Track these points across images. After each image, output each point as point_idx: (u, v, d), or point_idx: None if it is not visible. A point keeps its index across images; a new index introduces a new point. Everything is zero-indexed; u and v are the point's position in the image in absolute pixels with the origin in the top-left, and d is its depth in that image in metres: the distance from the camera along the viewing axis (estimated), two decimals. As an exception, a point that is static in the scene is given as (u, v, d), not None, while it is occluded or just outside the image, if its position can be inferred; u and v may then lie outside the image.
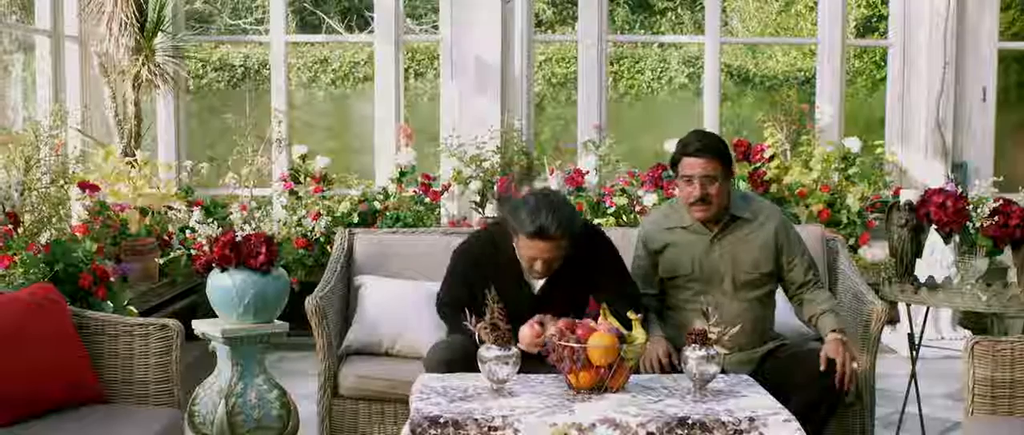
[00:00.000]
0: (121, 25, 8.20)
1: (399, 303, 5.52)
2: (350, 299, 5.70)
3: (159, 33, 8.45)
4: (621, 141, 9.51)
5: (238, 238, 5.27)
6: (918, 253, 5.73)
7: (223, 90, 14.30)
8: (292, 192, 8.37)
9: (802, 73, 15.17)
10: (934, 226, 5.65)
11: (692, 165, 4.87)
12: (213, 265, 5.29)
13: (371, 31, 10.51)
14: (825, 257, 5.77)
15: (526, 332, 4.50)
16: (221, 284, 5.25)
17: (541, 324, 4.51)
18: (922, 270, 5.66)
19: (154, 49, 8.39)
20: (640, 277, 5.11)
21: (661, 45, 16.05)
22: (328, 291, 5.40)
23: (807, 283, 5.02)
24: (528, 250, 4.59)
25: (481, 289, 4.43)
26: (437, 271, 5.66)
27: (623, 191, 8.22)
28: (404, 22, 9.42)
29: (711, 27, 9.00)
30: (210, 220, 5.49)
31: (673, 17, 17.14)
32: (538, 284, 4.78)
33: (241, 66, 14.18)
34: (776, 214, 5.08)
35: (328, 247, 7.90)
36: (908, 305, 5.70)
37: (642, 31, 16.79)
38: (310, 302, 5.22)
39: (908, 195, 5.73)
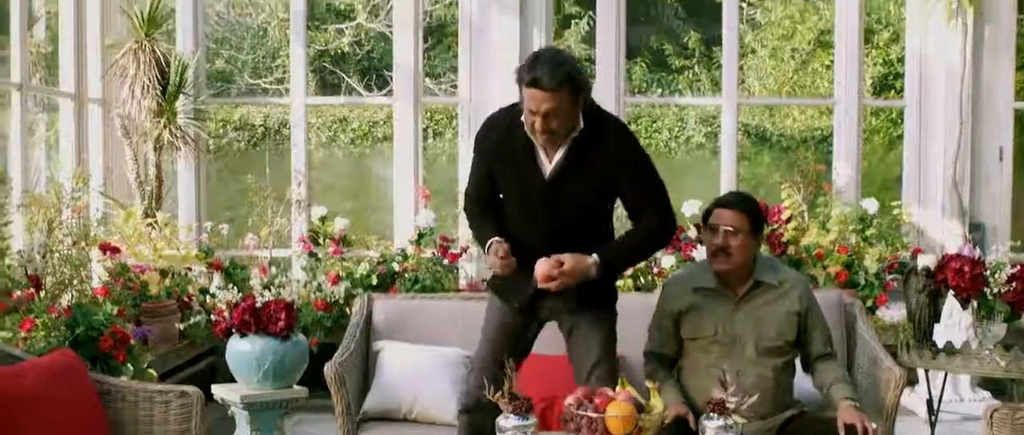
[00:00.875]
0: (143, 88, 8.30)
1: (417, 369, 5.54)
2: (369, 363, 5.72)
3: (180, 96, 8.54)
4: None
5: (258, 304, 5.32)
6: (936, 318, 5.74)
7: (244, 149, 14.40)
8: (311, 254, 8.40)
9: (819, 131, 15.20)
10: (952, 292, 5.66)
11: (719, 215, 4.95)
12: (233, 330, 5.34)
13: (390, 91, 10.57)
14: (843, 321, 5.78)
15: (543, 268, 4.55)
16: (241, 350, 5.30)
17: (562, 263, 4.54)
18: (940, 335, 5.67)
19: (176, 111, 8.48)
20: (657, 337, 5.13)
21: (679, 104, 16.13)
22: (347, 357, 5.43)
23: (824, 355, 5.03)
24: (528, 103, 4.48)
25: (500, 172, 4.73)
26: (455, 337, 5.72)
27: (641, 253, 8.23)
28: (423, 82, 9.46)
29: (729, 88, 9.05)
30: (230, 285, 5.51)
31: (690, 75, 17.19)
32: (549, 167, 4.63)
33: (261, 125, 14.29)
34: (801, 283, 5.09)
35: (347, 309, 7.92)
36: (927, 371, 5.70)
37: (659, 90, 16.86)
38: (329, 368, 5.24)
39: (926, 260, 5.75)
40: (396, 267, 8.31)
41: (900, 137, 10.33)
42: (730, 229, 4.90)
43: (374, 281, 8.19)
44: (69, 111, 8.29)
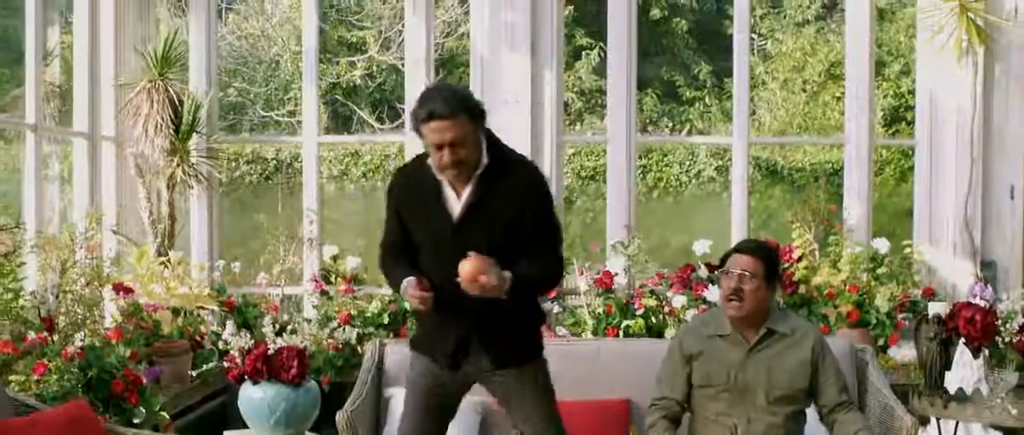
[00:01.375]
0: (156, 126, 8.34)
1: (429, 415, 5.54)
2: (380, 410, 5.74)
3: (193, 134, 8.58)
4: (650, 237, 9.54)
5: (270, 351, 5.34)
6: (947, 365, 5.73)
7: (256, 182, 14.45)
8: (323, 292, 8.42)
9: (830, 165, 15.22)
10: (963, 340, 5.66)
11: (735, 260, 5.01)
12: (245, 377, 5.36)
13: (402, 124, 10.60)
14: (854, 367, 5.80)
15: (471, 265, 4.41)
16: (253, 397, 5.33)
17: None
18: (952, 382, 5.66)
19: (189, 150, 8.51)
20: (667, 380, 5.14)
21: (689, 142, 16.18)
22: (359, 404, 5.45)
23: (840, 404, 5.04)
24: (431, 139, 4.53)
25: (410, 217, 4.74)
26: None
27: (652, 292, 8.25)
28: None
29: (739, 128, 9.04)
30: (242, 330, 5.53)
31: (701, 107, 17.25)
32: (457, 209, 4.64)
33: (273, 159, 14.34)
34: (813, 332, 5.12)
35: (359, 348, 7.95)
36: (939, 419, 5.70)
37: (669, 124, 16.90)
38: (342, 417, 5.26)
39: (937, 308, 5.76)
40: (407, 306, 8.31)
41: (911, 170, 10.31)
42: (745, 273, 4.94)
43: (385, 320, 8.20)
44: (83, 150, 8.33)
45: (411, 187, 4.76)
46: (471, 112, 4.49)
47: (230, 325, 5.76)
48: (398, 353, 5.94)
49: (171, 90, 8.45)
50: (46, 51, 8.69)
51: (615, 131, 8.96)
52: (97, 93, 8.43)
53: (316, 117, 9.16)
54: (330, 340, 7.80)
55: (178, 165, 8.45)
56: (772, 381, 4.99)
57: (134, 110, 8.40)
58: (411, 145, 8.99)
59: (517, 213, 4.60)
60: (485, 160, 4.59)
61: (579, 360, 5.93)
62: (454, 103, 4.43)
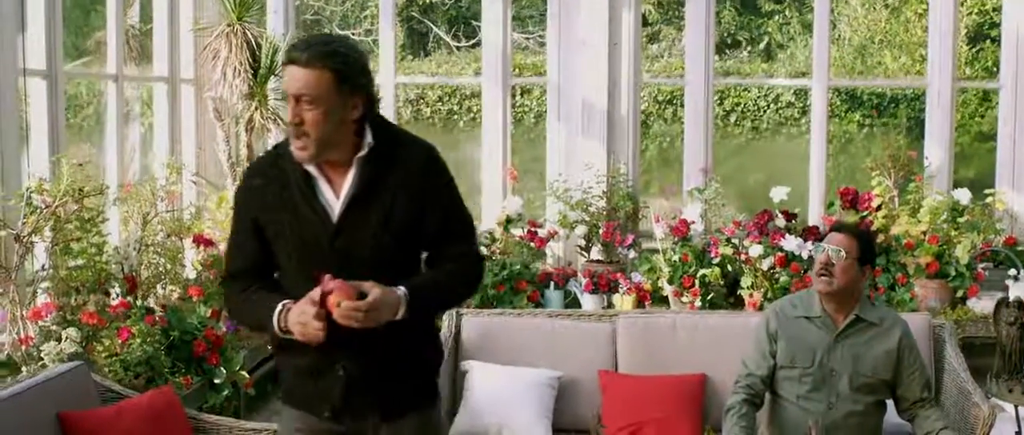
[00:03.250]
0: (235, 71, 8.37)
1: (504, 391, 5.60)
2: (457, 383, 5.79)
3: (271, 78, 8.61)
4: (726, 166, 9.41)
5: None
6: (1027, 348, 5.67)
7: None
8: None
9: (911, 90, 14.93)
10: (1043, 323, 5.59)
11: (830, 237, 4.98)
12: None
13: (477, 42, 10.54)
14: (932, 345, 5.75)
15: (331, 300, 3.32)
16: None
17: (364, 293, 3.35)
18: (1033, 363, 5.60)
19: (267, 94, 8.55)
20: (752, 358, 5.12)
21: (768, 60, 15.95)
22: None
23: (922, 400, 5.02)
24: (283, 86, 3.67)
25: (270, 224, 3.56)
26: (543, 356, 5.78)
27: (728, 240, 8.22)
28: (511, 63, 9.38)
29: (819, 69, 8.92)
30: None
31: (780, 19, 17.00)
32: (337, 207, 3.51)
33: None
34: (902, 324, 5.08)
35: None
36: (1016, 406, 5.65)
37: (747, 37, 16.68)
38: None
39: (1018, 290, 5.68)
40: (484, 250, 8.37)
41: (995, 91, 10.04)
42: (839, 250, 4.92)
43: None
44: (163, 94, 8.41)
45: (269, 185, 3.58)
46: (338, 68, 3.40)
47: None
48: (476, 325, 5.97)
49: (249, 33, 8.46)
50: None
51: (693, 76, 8.88)
52: (176, 38, 8.48)
53: (393, 60, 9.15)
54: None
55: (256, 108, 8.50)
56: (857, 368, 4.97)
57: (213, 54, 8.43)
58: (488, 92, 8.97)
59: (414, 205, 3.53)
60: (369, 140, 3.51)
61: (655, 334, 5.91)
62: (318, 49, 3.42)
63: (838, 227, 5.09)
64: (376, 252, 3.48)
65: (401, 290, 3.41)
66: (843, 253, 4.93)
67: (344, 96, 3.42)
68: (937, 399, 5.54)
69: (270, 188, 3.54)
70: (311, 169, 3.48)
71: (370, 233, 3.48)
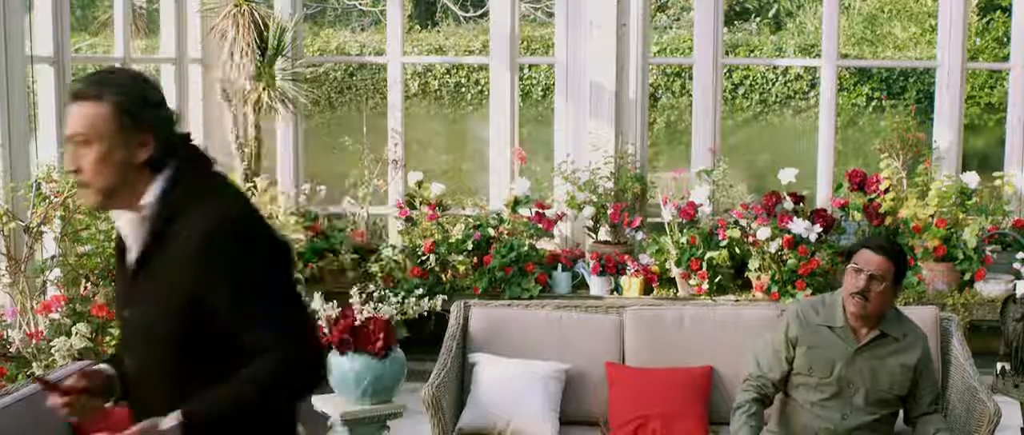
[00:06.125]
0: (242, 51, 8.36)
1: (512, 384, 5.63)
2: (464, 376, 5.82)
3: (279, 58, 8.60)
4: (733, 136, 9.31)
5: (357, 322, 5.42)
6: (1036, 345, 5.67)
7: (339, 78, 14.47)
8: (408, 218, 8.50)
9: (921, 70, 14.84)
10: (1052, 319, 5.59)
11: (867, 259, 4.87)
12: (332, 347, 5.46)
13: (485, 12, 10.49)
14: (938, 339, 5.75)
15: None
16: (340, 367, 5.42)
17: None
18: (1039, 358, 5.61)
19: (274, 75, 8.54)
20: (766, 359, 5.09)
21: (777, 31, 15.87)
22: (444, 376, 5.51)
23: (929, 411, 5.04)
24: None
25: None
26: (551, 348, 5.80)
27: (736, 223, 8.21)
28: (519, 43, 9.32)
29: (828, 51, 8.87)
30: (331, 303, 5.59)
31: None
32: (133, 256, 2.98)
33: (357, 54, 14.29)
34: (922, 341, 5.05)
35: (443, 276, 8.09)
36: (1022, 402, 5.67)
37: (755, 4, 16.59)
38: (425, 392, 5.34)
39: (1025, 286, 5.68)
40: (491, 231, 8.37)
41: (1005, 58, 9.93)
42: (875, 275, 4.86)
43: (469, 247, 8.23)
44: (170, 75, 8.41)
45: (120, 240, 3.12)
46: (116, 98, 2.90)
47: (317, 297, 5.79)
48: (483, 316, 5.98)
49: (256, 13, 8.44)
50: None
51: (701, 56, 8.84)
52: (183, 18, 8.47)
53: (401, 36, 9.12)
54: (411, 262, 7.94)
55: (264, 89, 8.49)
56: (875, 383, 4.94)
57: (220, 35, 8.42)
58: (496, 71, 8.93)
59: (193, 287, 2.87)
60: (150, 197, 2.94)
61: (662, 326, 5.92)
62: (93, 78, 2.97)
63: (872, 245, 4.96)
64: (146, 334, 2.98)
65: (170, 421, 2.81)
66: (879, 277, 4.86)
67: (127, 132, 2.90)
68: (943, 395, 5.55)
69: (120, 239, 3.11)
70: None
71: (153, 308, 2.94)
